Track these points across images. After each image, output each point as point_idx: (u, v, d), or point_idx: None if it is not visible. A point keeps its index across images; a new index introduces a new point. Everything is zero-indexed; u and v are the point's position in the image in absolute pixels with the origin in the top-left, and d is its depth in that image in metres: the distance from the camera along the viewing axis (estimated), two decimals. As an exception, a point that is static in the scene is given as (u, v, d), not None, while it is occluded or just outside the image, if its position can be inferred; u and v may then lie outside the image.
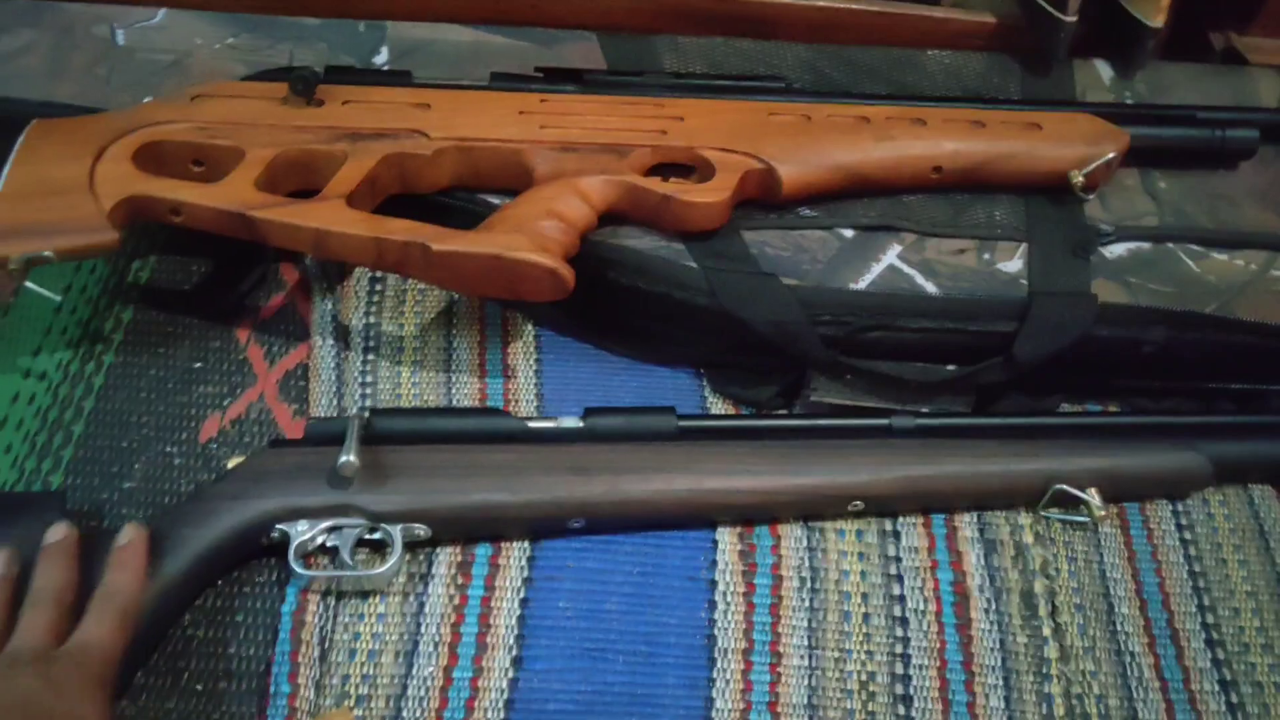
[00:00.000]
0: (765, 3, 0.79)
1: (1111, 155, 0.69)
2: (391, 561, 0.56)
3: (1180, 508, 0.66)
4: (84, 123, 0.64)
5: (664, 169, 0.67)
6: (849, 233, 0.67)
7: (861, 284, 0.65)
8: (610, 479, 0.59)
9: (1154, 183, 0.73)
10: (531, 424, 0.61)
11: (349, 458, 0.55)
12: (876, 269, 0.66)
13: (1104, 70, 0.80)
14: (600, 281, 0.65)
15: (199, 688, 0.54)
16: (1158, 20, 0.76)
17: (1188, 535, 0.65)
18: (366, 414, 0.59)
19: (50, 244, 0.57)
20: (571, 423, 0.61)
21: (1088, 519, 0.63)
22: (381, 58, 0.74)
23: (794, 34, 0.80)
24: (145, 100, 0.67)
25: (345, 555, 0.57)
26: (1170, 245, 0.69)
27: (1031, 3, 0.77)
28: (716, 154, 0.66)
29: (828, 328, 0.64)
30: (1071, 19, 0.75)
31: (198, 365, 0.67)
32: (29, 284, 0.59)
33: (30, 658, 0.48)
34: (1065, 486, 0.62)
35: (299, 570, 0.56)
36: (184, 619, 0.56)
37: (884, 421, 0.63)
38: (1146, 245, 0.69)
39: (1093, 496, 0.62)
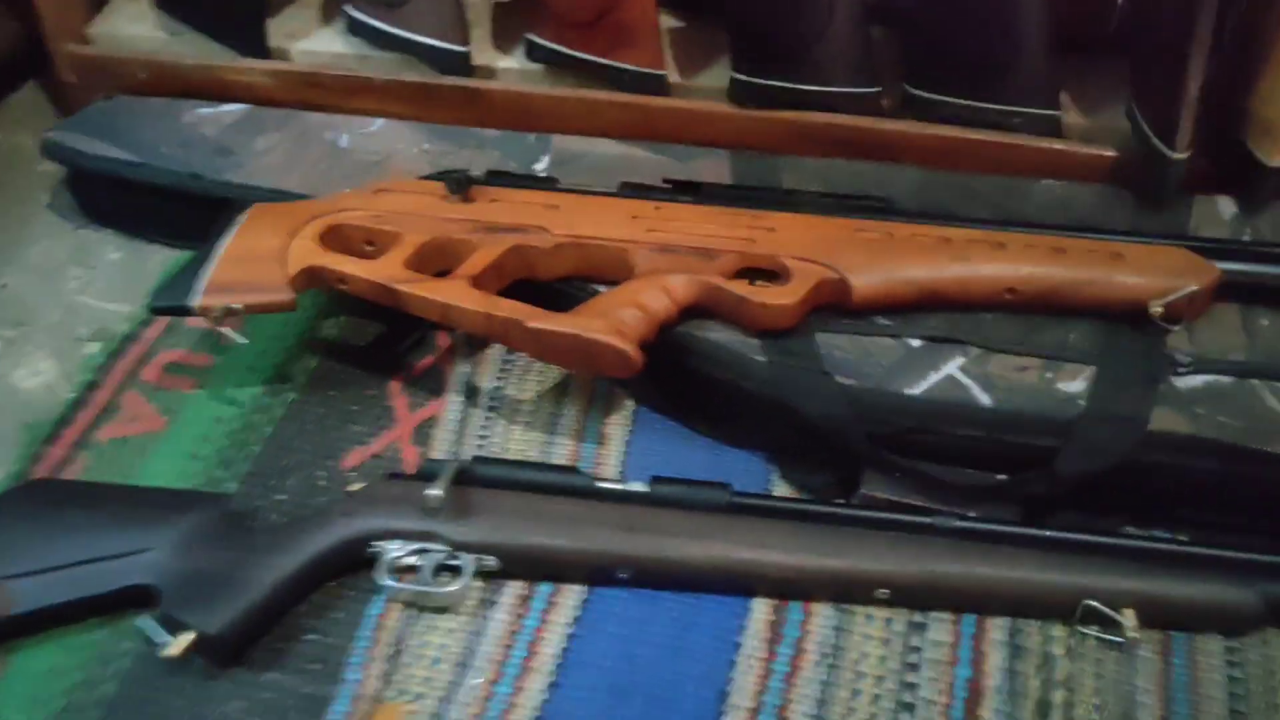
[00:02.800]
0: (886, 129, 0.86)
1: (1193, 289, 0.70)
2: (461, 584, 0.67)
3: (1234, 644, 0.65)
4: (291, 207, 0.80)
5: (752, 273, 0.75)
6: (916, 343, 0.72)
7: (917, 390, 0.70)
8: (656, 539, 0.67)
9: (1255, 320, 0.73)
10: (600, 484, 0.70)
11: (436, 491, 0.67)
12: (934, 377, 0.70)
13: (1226, 207, 0.80)
14: (680, 367, 0.74)
15: (292, 665, 0.66)
16: (1278, 160, 0.76)
17: (1237, 673, 0.64)
18: (466, 460, 0.71)
19: (243, 299, 0.74)
20: (638, 486, 0.69)
21: (1122, 640, 0.64)
22: (542, 165, 0.87)
23: (913, 158, 0.86)
24: (345, 190, 0.83)
25: (426, 574, 0.68)
26: (1254, 382, 0.69)
27: (1145, 138, 0.80)
28: (796, 263, 0.73)
29: (880, 427, 0.69)
30: (1181, 156, 0.77)
31: (354, 408, 0.81)
32: (227, 330, 0.75)
33: None
34: (1096, 604, 0.64)
35: (388, 582, 0.67)
36: (295, 609, 0.69)
37: (927, 519, 0.67)
38: (1227, 379, 0.69)
39: (1127, 619, 0.63)
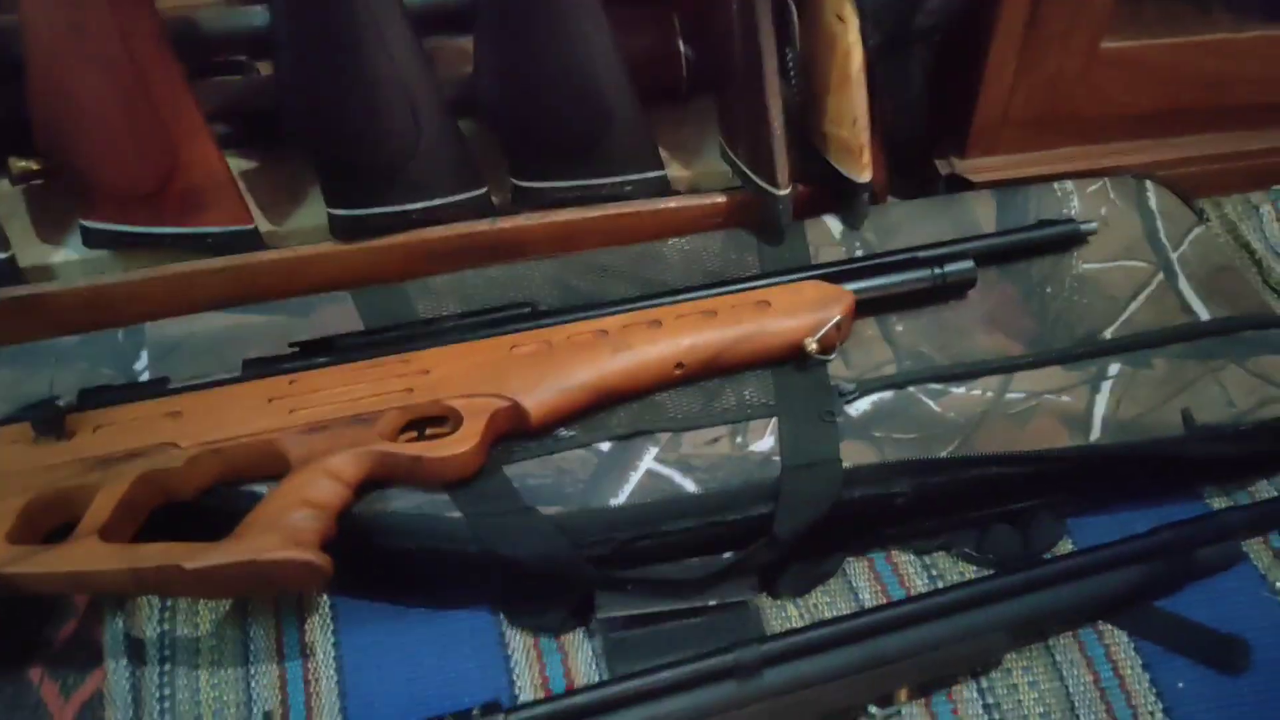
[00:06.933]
0: (504, 229, 0.83)
1: (838, 317, 0.73)
2: None
3: (984, 681, 0.66)
4: None
5: (420, 422, 0.69)
6: (605, 446, 0.70)
7: (621, 497, 0.67)
8: None
9: (892, 328, 0.77)
10: None
11: None
12: (635, 477, 0.68)
13: (834, 225, 0.84)
14: (372, 549, 0.67)
15: None
16: (865, 176, 0.81)
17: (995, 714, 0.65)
18: None
19: None
20: None
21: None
22: (142, 363, 0.76)
23: (538, 250, 0.84)
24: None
25: None
26: (911, 390, 0.73)
27: (746, 178, 0.82)
28: (462, 401, 0.68)
29: (596, 548, 0.66)
30: (785, 192, 0.80)
31: (-11, 720, 0.66)
32: None
33: None
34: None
35: None
36: None
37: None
38: (888, 394, 0.73)
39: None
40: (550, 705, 0.58)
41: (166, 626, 0.69)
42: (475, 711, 0.56)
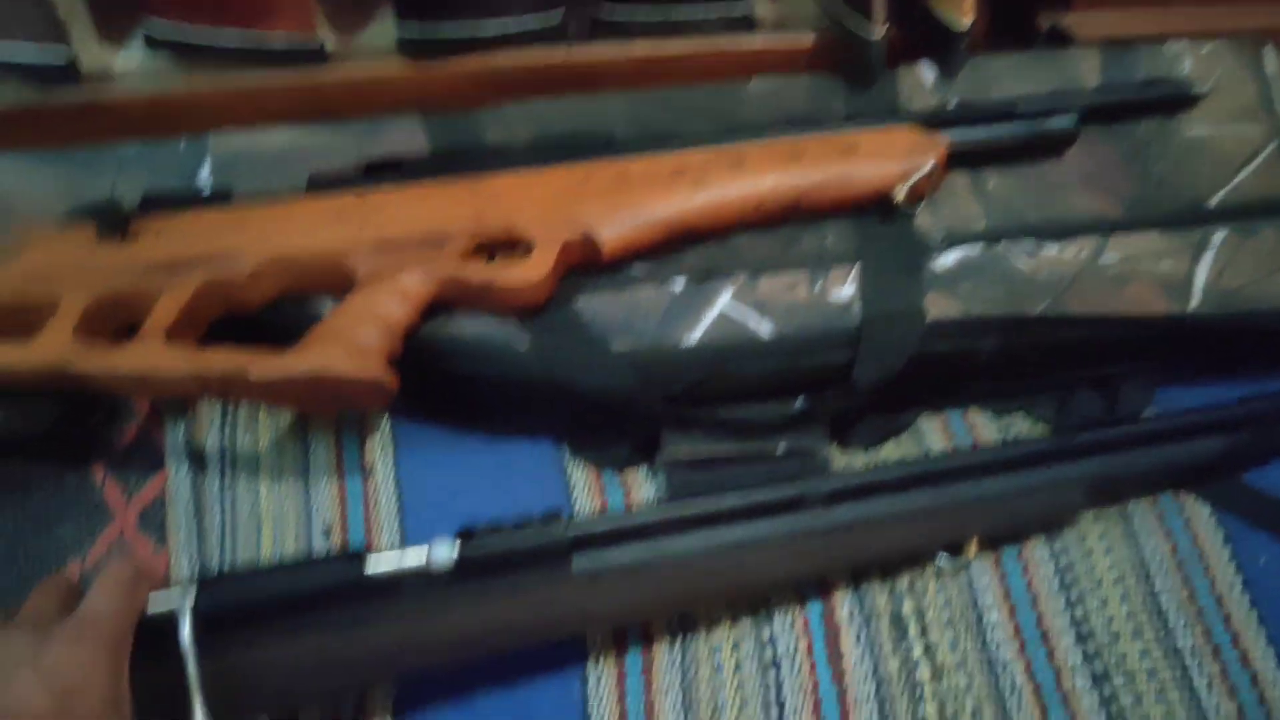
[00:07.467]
0: (580, 59, 0.80)
1: (930, 166, 0.69)
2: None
3: (1056, 540, 0.66)
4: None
5: (489, 247, 0.67)
6: (679, 284, 0.67)
7: (694, 337, 0.65)
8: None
9: (984, 183, 0.73)
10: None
11: None
12: (709, 317, 0.66)
13: (927, 73, 0.80)
14: (436, 372, 0.65)
15: None
16: (966, 21, 0.76)
17: (1066, 576, 0.64)
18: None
19: None
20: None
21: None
22: (205, 173, 0.74)
23: (617, 84, 0.80)
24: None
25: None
26: (1001, 246, 0.69)
27: (838, 20, 0.78)
28: (534, 229, 0.66)
29: (666, 386, 0.64)
30: (879, 35, 0.76)
31: (54, 512, 0.67)
32: None
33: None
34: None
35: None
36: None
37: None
38: (976, 250, 0.69)
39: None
40: (612, 519, 0.56)
41: (226, 438, 0.69)
42: (537, 519, 0.55)
